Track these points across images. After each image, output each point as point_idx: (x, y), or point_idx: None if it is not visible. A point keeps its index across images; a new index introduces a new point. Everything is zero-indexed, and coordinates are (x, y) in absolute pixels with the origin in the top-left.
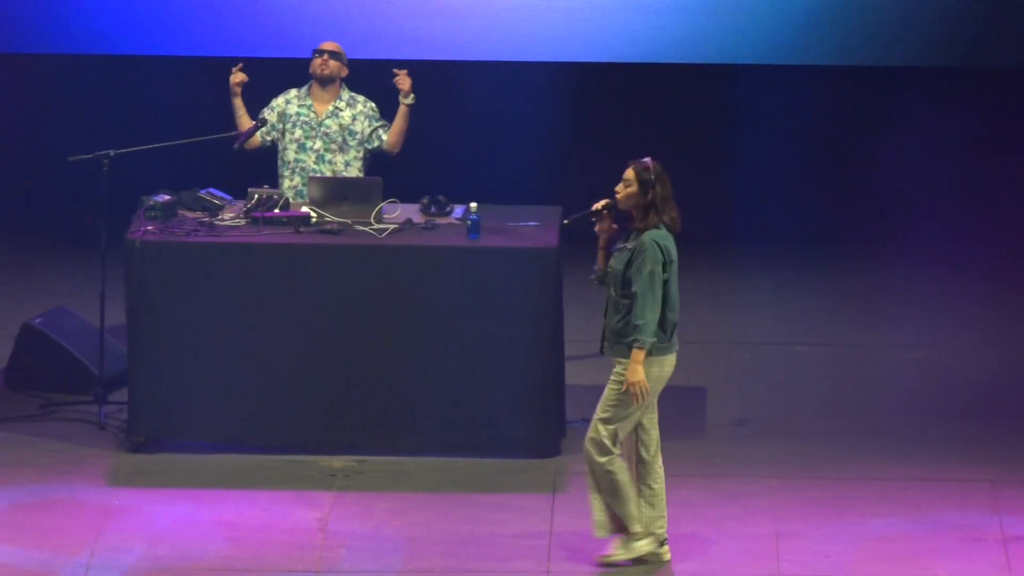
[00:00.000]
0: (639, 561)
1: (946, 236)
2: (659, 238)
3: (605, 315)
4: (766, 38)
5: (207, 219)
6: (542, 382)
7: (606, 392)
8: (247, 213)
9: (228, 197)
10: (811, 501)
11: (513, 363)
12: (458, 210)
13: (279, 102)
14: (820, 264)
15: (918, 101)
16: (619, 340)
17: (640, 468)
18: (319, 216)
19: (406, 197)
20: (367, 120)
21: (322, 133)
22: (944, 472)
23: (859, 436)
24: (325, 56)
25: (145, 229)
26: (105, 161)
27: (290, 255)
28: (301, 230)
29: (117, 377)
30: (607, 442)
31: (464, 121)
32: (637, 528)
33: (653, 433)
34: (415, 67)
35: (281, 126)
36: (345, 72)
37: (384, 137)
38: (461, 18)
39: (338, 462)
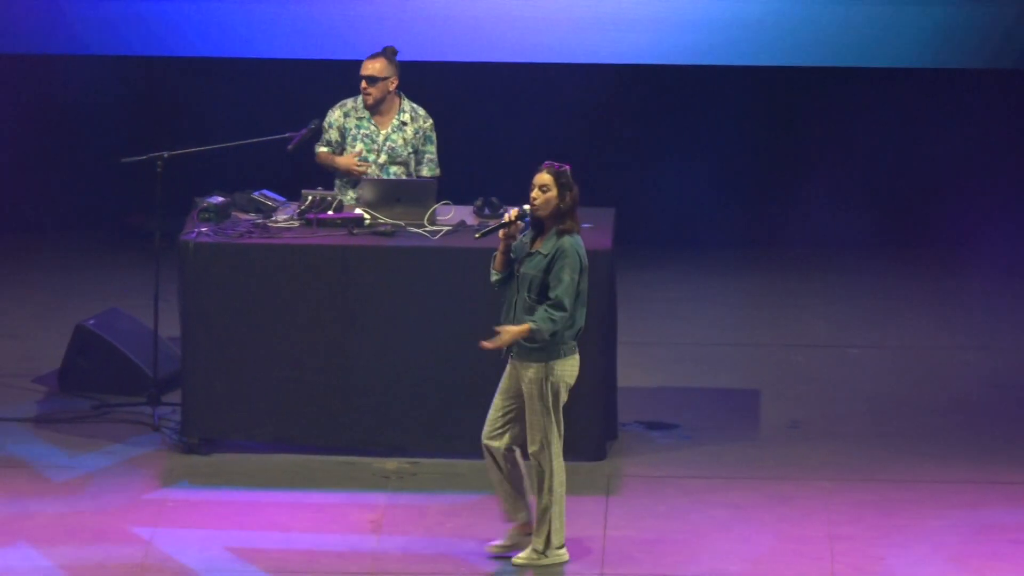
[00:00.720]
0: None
1: (1000, 238)
2: (577, 245)
3: (513, 319)
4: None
5: (261, 221)
6: (594, 384)
7: (528, 407)
8: (301, 215)
9: (282, 199)
10: (864, 503)
11: None
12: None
13: (336, 116)
14: (872, 266)
15: (973, 102)
16: (525, 347)
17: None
18: (372, 218)
19: (460, 199)
20: (424, 140)
21: (387, 148)
22: (997, 475)
23: (912, 439)
24: (364, 84)
25: (199, 231)
26: (159, 163)
27: (343, 257)
28: (354, 232)
29: (171, 378)
30: (547, 446)
31: (518, 123)
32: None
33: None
34: (472, 69)
35: (341, 142)
36: (395, 83)
37: (426, 173)
38: (516, 21)
39: (391, 464)
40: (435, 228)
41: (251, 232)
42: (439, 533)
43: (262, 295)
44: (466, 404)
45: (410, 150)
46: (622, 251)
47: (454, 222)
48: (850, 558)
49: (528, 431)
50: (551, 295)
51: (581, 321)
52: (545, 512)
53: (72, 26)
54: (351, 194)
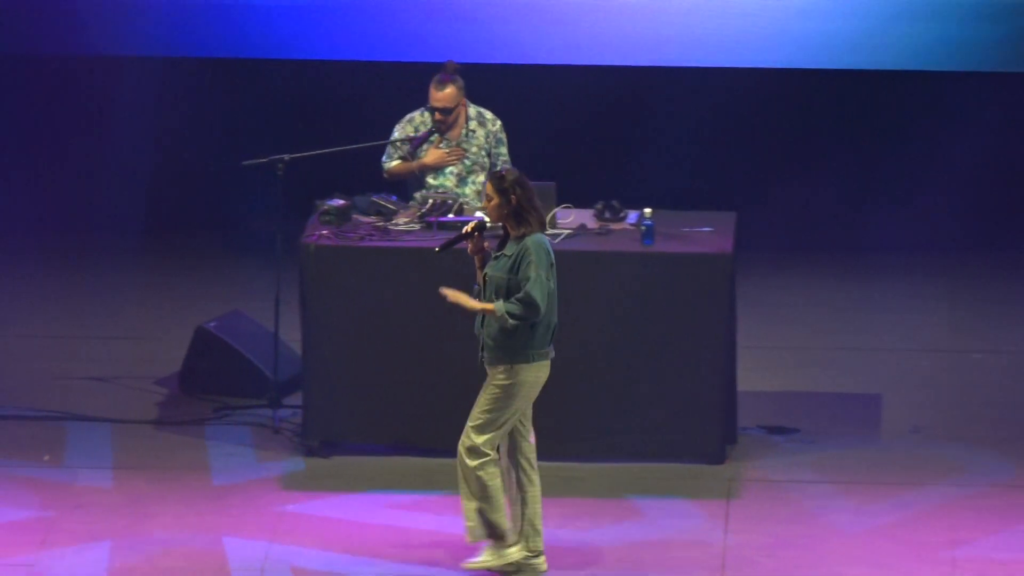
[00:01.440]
0: (512, 569)
1: None
2: (541, 242)
3: (483, 324)
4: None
5: (381, 223)
6: (714, 387)
7: (482, 398)
8: (421, 218)
9: (402, 202)
10: (986, 509)
11: (685, 368)
12: (632, 215)
13: (407, 131)
14: (996, 271)
15: None
16: (495, 348)
17: (520, 477)
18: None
19: (580, 202)
20: (496, 142)
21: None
22: None
23: None
24: (439, 115)
25: (320, 233)
26: (280, 166)
27: (463, 260)
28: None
29: (291, 381)
30: (482, 447)
31: (639, 126)
32: (509, 535)
33: (531, 441)
34: (590, 73)
35: (412, 154)
36: (463, 103)
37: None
38: (635, 23)
39: None
40: (555, 231)
41: (371, 235)
42: (558, 535)
43: (382, 298)
44: (586, 407)
45: (484, 153)
46: (743, 255)
47: (574, 225)
48: (972, 564)
49: (469, 422)
50: (525, 290)
51: (554, 319)
52: (466, 500)
53: (191, 29)
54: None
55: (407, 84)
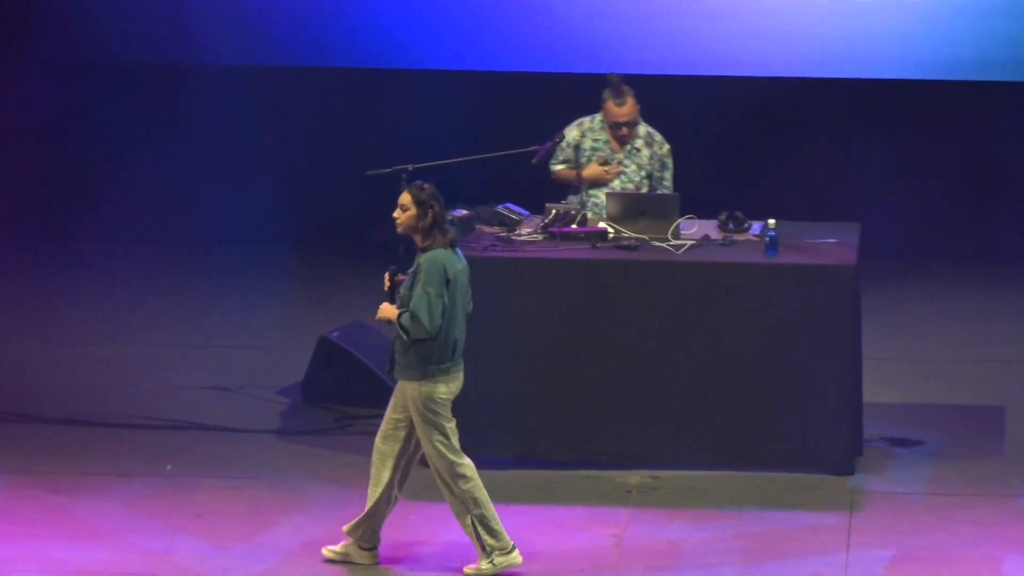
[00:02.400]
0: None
1: None
2: (437, 258)
3: (393, 341)
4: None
5: (504, 234)
6: (838, 398)
7: (417, 425)
8: (544, 228)
9: (525, 212)
10: None
11: (809, 379)
12: (756, 226)
13: (573, 135)
14: None
15: None
16: (401, 362)
17: (395, 480)
18: (616, 232)
19: (704, 213)
20: (659, 166)
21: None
22: None
23: None
24: (624, 131)
25: None
26: (403, 176)
27: (587, 270)
28: (598, 246)
29: None
30: (456, 467)
31: (764, 137)
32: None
33: (394, 449)
34: (714, 84)
35: (574, 159)
36: (638, 113)
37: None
38: (762, 35)
39: (634, 478)
40: (679, 242)
41: (495, 245)
42: (681, 547)
43: (505, 308)
44: (710, 417)
45: (643, 174)
46: (867, 267)
47: (698, 236)
48: None
49: (429, 454)
50: (409, 307)
51: (457, 335)
52: (460, 519)
53: (310, 39)
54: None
55: (530, 94)
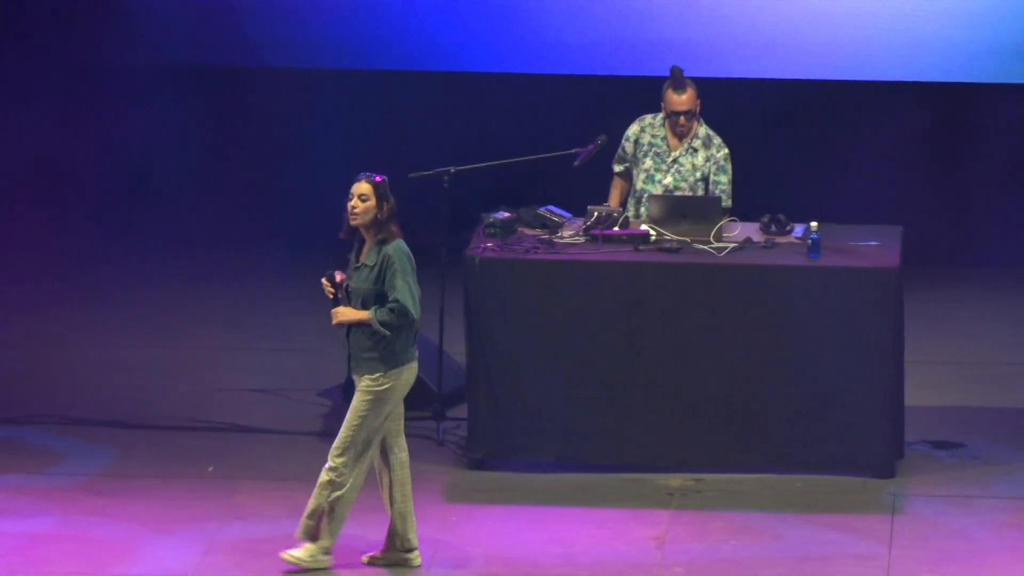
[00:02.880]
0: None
1: None
2: (402, 246)
3: (348, 336)
4: None
5: (546, 236)
6: (880, 401)
7: (349, 413)
8: (586, 231)
9: (567, 215)
10: None
11: (851, 382)
12: (798, 229)
13: (634, 130)
14: None
15: None
16: (368, 356)
17: (392, 483)
18: (658, 234)
19: (746, 215)
20: (716, 169)
21: (674, 170)
22: None
23: None
24: (683, 120)
25: (484, 246)
26: (445, 178)
27: (629, 273)
28: (640, 248)
29: (456, 393)
30: (342, 468)
31: (806, 139)
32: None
33: (403, 445)
34: (764, 87)
35: (634, 156)
36: (698, 106)
37: (723, 205)
38: (805, 38)
39: (675, 481)
40: (721, 244)
41: (536, 248)
42: (722, 550)
43: (547, 311)
44: (752, 420)
45: (698, 175)
46: (910, 269)
47: (740, 239)
48: None
49: (341, 434)
50: (393, 298)
51: (417, 324)
52: (323, 489)
53: (359, 41)
54: (631, 211)
55: (573, 97)
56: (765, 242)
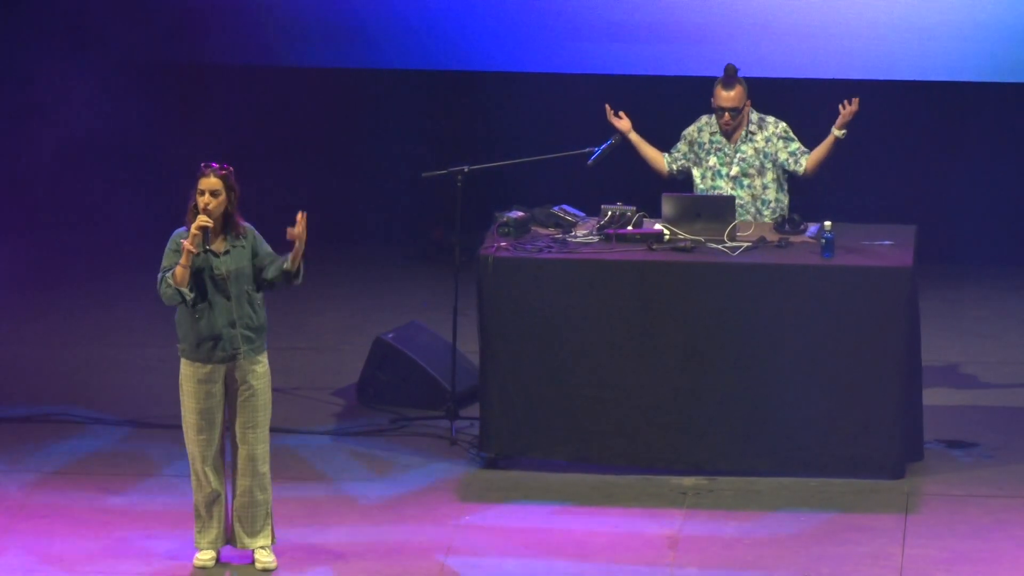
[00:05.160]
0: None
1: None
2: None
3: (238, 317)
4: None
5: (560, 236)
6: (895, 402)
7: (257, 403)
8: (600, 230)
9: (581, 214)
10: None
11: (865, 382)
12: (812, 228)
13: (691, 131)
14: None
15: None
16: (259, 337)
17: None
18: (672, 233)
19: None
20: (781, 142)
21: (738, 159)
22: None
23: None
24: (727, 117)
25: (498, 245)
26: (459, 177)
27: (643, 272)
28: (654, 247)
29: (469, 393)
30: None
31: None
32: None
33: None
34: (779, 86)
35: (692, 155)
36: (748, 105)
37: (803, 163)
38: (817, 38)
39: (688, 481)
40: (735, 244)
41: (550, 247)
42: (735, 550)
43: (560, 310)
44: (765, 421)
45: (763, 157)
46: (924, 269)
47: (754, 238)
48: None
49: (257, 430)
50: (275, 266)
51: None
52: (268, 508)
53: (376, 40)
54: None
55: (588, 96)
56: (779, 241)
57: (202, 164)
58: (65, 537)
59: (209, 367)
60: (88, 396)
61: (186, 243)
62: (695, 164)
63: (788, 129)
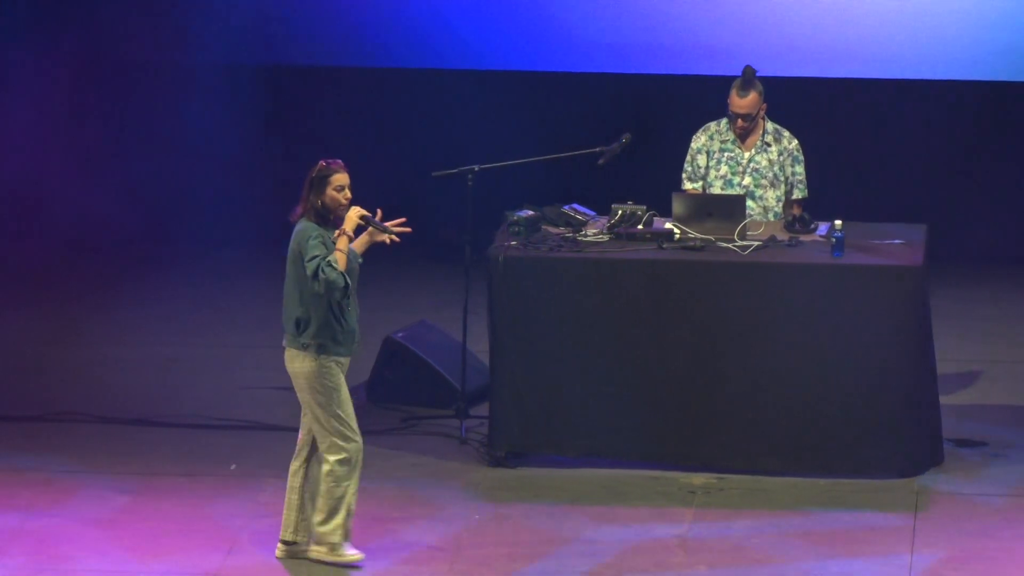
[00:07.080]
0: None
1: None
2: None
3: (358, 318)
4: None
5: (570, 235)
6: (906, 401)
7: (311, 398)
8: (610, 229)
9: (591, 213)
10: None
11: (876, 381)
12: (822, 227)
13: (702, 142)
14: None
15: None
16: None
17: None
18: (682, 232)
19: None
20: (791, 161)
21: (751, 169)
22: None
23: None
24: (741, 122)
25: (508, 244)
26: (469, 176)
27: (653, 271)
28: (664, 246)
29: (478, 392)
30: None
31: (830, 137)
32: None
33: None
34: (788, 85)
35: (704, 164)
36: (764, 109)
37: (798, 196)
38: (827, 36)
39: (698, 479)
40: (745, 243)
41: (560, 246)
42: (745, 547)
43: (571, 309)
44: (774, 420)
45: (776, 169)
46: (936, 268)
47: (764, 237)
48: None
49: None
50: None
51: None
52: (333, 497)
53: (383, 39)
54: None
55: (599, 95)
56: (789, 240)
57: (325, 161)
58: (73, 538)
59: (347, 359)
60: (97, 396)
61: (346, 227)
62: (705, 173)
63: (800, 149)
